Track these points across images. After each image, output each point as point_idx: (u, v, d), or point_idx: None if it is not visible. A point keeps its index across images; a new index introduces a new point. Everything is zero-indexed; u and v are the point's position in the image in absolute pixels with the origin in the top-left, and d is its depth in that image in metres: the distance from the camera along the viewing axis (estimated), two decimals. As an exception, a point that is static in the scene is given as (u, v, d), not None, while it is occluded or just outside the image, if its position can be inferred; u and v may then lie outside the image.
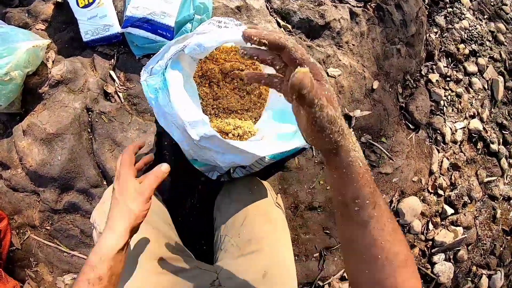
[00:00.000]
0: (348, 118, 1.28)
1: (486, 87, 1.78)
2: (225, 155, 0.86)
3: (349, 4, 1.33)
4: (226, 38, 0.80)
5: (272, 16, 1.20)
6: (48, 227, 1.12)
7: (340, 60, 1.26)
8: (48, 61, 1.19)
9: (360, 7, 1.36)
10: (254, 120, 0.99)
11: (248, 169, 0.99)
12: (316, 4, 1.27)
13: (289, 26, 1.21)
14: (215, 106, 0.98)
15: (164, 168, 0.72)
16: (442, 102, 1.59)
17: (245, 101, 1.01)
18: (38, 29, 1.23)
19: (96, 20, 1.16)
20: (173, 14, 1.11)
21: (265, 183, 1.02)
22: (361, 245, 0.50)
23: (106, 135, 1.10)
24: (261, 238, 0.85)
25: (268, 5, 1.21)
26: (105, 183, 1.11)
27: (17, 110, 1.14)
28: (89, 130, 1.13)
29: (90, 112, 1.13)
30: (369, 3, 1.40)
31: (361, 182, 0.48)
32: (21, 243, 1.12)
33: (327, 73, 1.24)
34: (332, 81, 1.24)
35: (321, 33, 1.25)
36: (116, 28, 1.15)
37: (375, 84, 1.35)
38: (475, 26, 1.83)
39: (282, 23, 1.21)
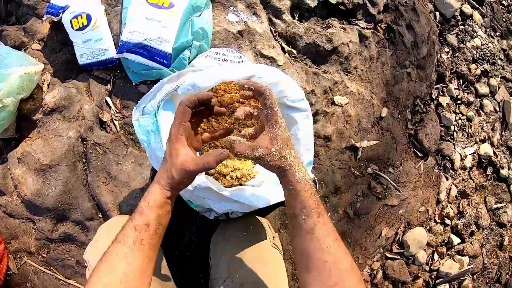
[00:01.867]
0: (354, 149, 1.21)
1: (497, 109, 1.70)
2: (221, 203, 0.80)
3: (358, 26, 1.25)
4: (223, 77, 0.74)
5: (277, 40, 1.13)
6: (45, 255, 1.09)
7: (347, 87, 1.19)
8: (43, 84, 1.13)
9: (370, 28, 1.28)
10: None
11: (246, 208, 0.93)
12: (324, 27, 1.20)
13: (294, 52, 1.14)
14: (212, 144, 0.91)
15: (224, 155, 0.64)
16: (452, 127, 1.52)
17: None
18: (34, 49, 1.17)
19: (91, 43, 1.09)
20: (171, 40, 1.03)
21: (263, 220, 0.96)
22: (310, 250, 0.59)
23: (101, 167, 1.05)
24: (255, 283, 0.80)
25: (272, 29, 1.13)
26: (100, 215, 1.07)
27: (11, 135, 1.10)
28: (83, 160, 1.08)
29: (84, 142, 1.08)
30: (379, 24, 1.32)
31: (306, 195, 0.61)
32: (17, 268, 1.09)
33: (334, 101, 1.17)
34: (338, 110, 1.16)
35: (328, 58, 1.18)
36: (112, 53, 1.09)
37: (384, 112, 1.27)
38: (487, 44, 1.75)
39: (287, 48, 1.13)
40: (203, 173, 0.73)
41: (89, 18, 1.09)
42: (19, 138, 1.11)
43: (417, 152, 1.42)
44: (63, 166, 1.03)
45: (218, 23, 1.07)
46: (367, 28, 1.27)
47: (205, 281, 1.08)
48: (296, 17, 1.17)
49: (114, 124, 1.10)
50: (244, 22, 1.08)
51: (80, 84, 1.12)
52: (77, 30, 1.09)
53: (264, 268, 0.85)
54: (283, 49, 1.12)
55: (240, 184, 0.89)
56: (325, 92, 1.14)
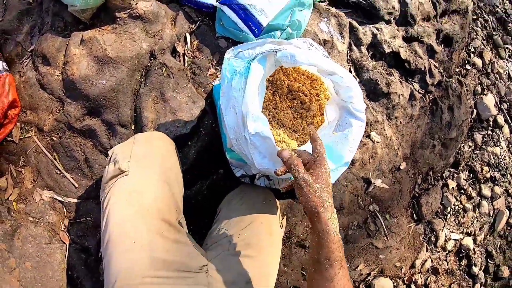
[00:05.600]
0: (368, 182, 1.33)
1: (491, 214, 1.85)
2: (265, 159, 0.90)
3: (413, 86, 1.42)
4: (317, 62, 0.86)
5: (348, 63, 1.28)
6: (55, 138, 1.07)
7: (384, 130, 1.33)
8: None
9: (421, 93, 1.45)
10: (299, 143, 1.04)
11: (272, 183, 1.03)
12: (386, 72, 1.36)
13: (357, 79, 1.29)
14: (271, 113, 1.03)
15: None
16: (448, 209, 1.66)
17: (296, 123, 1.06)
18: None
19: None
20: (270, 16, 1.16)
21: (278, 202, 1.05)
22: None
23: (158, 86, 1.10)
24: (260, 248, 0.88)
25: (348, 52, 1.29)
26: (133, 127, 1.09)
27: (85, 19, 1.11)
28: (143, 73, 1.12)
29: (152, 59, 1.13)
30: (429, 94, 1.49)
31: (333, 247, 0.64)
32: (19, 138, 1.05)
33: (369, 135, 1.30)
34: (370, 144, 1.30)
35: (380, 99, 1.33)
36: (213, 0, 1.19)
37: (402, 165, 1.41)
38: (505, 156, 1.93)
39: (353, 73, 1.28)
40: (268, 126, 0.84)
41: None
42: (89, 25, 1.11)
43: (414, 213, 1.54)
44: (125, 67, 1.07)
45: (311, 25, 1.22)
46: (419, 92, 1.44)
47: (196, 231, 1.15)
48: (370, 54, 1.33)
49: (184, 58, 1.18)
50: (331, 35, 1.24)
51: (169, 11, 1.18)
52: None
53: (270, 237, 0.93)
54: (349, 71, 1.27)
55: None
56: (366, 124, 1.28)
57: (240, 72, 0.87)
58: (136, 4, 1.12)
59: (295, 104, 1.07)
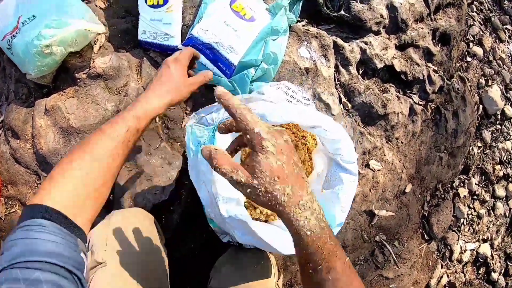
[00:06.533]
0: (371, 214, 1.21)
1: (507, 214, 1.73)
2: (246, 236, 0.79)
3: (412, 99, 1.27)
4: (293, 118, 0.74)
5: (336, 88, 1.14)
6: None
7: (384, 155, 1.20)
8: (95, 44, 1.10)
9: (421, 105, 1.30)
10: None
11: None
12: (381, 90, 1.21)
13: (349, 105, 1.15)
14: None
15: (211, 75, 0.84)
16: (462, 220, 1.54)
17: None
18: (97, 6, 1.15)
19: (159, 25, 1.08)
20: (240, 52, 1.03)
21: (272, 258, 0.96)
22: None
23: None
24: None
25: (336, 76, 1.14)
26: (111, 197, 1.02)
27: (46, 83, 1.06)
28: None
29: None
30: (430, 104, 1.34)
31: (310, 249, 0.49)
32: (5, 214, 1.04)
33: (369, 164, 1.17)
34: (370, 174, 1.17)
35: (377, 122, 1.19)
36: (176, 41, 1.08)
37: (408, 188, 1.28)
38: (516, 150, 1.79)
39: (343, 99, 1.14)
40: (242, 205, 0.73)
41: None
42: (53, 88, 1.07)
43: (424, 234, 1.43)
44: None
45: (289, 53, 1.08)
46: (419, 104, 1.29)
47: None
48: (360, 72, 1.18)
49: None
50: (314, 61, 1.09)
51: (133, 59, 1.09)
52: (150, 5, 1.07)
53: None
54: (340, 99, 1.13)
55: (266, 221, 0.89)
56: (363, 153, 1.15)
57: (204, 143, 0.74)
58: (94, 62, 0.99)
59: None
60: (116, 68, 1.04)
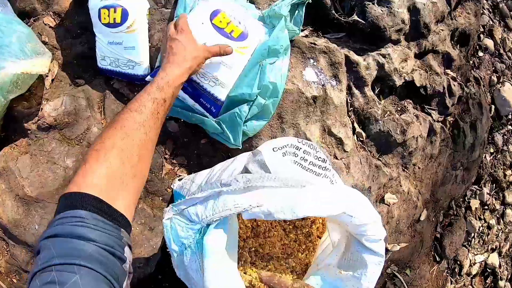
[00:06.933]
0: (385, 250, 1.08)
1: (515, 220, 1.65)
2: None
3: (431, 117, 1.10)
4: (308, 212, 0.56)
5: (349, 116, 0.95)
6: (15, 280, 0.90)
7: (400, 186, 1.05)
8: (47, 77, 0.87)
9: (440, 121, 1.13)
10: (295, 274, 0.76)
11: None
12: (399, 109, 1.03)
13: (364, 134, 0.97)
14: (252, 248, 0.73)
15: (229, 50, 0.77)
16: (473, 234, 1.44)
17: (289, 239, 0.77)
18: (46, 24, 0.91)
19: (119, 49, 0.84)
20: (228, 83, 0.82)
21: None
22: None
23: None
24: None
25: (349, 100, 0.94)
26: None
27: None
28: None
29: None
30: (449, 117, 1.18)
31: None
32: None
33: (383, 199, 1.02)
34: (384, 210, 1.02)
35: (393, 150, 1.02)
36: (144, 69, 0.85)
37: (423, 215, 1.15)
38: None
39: (357, 129, 0.95)
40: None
41: (125, 14, 0.81)
42: (3, 138, 0.86)
43: (436, 256, 1.32)
44: (53, 204, 0.81)
45: (292, 78, 0.87)
46: (438, 121, 1.12)
47: None
48: (376, 91, 0.99)
49: None
50: (323, 85, 0.89)
51: (93, 93, 0.88)
52: (105, 25, 0.83)
53: None
54: (353, 129, 0.94)
55: None
56: (379, 188, 0.99)
57: (190, 247, 0.56)
58: (42, 110, 0.77)
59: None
60: (71, 113, 0.83)
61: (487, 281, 1.56)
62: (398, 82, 0.99)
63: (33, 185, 0.79)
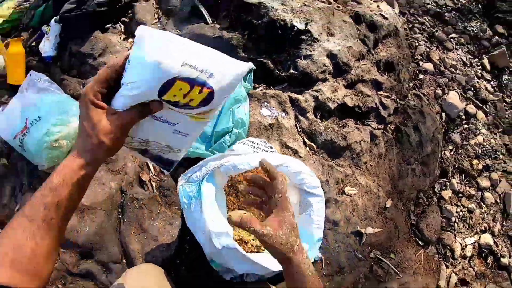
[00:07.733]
0: (359, 234, 1.35)
1: (498, 201, 1.83)
2: (242, 264, 0.96)
3: (370, 126, 1.46)
4: (257, 164, 0.93)
5: (300, 135, 1.34)
6: (60, 285, 1.14)
7: (357, 180, 1.37)
8: None
9: (380, 129, 1.49)
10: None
11: (261, 276, 1.08)
12: (341, 126, 1.41)
13: (314, 146, 1.34)
14: (236, 200, 1.10)
15: (156, 108, 0.61)
16: (453, 218, 1.65)
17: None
18: None
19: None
20: (184, 148, 0.74)
21: (274, 288, 1.08)
22: None
23: (135, 219, 1.20)
24: None
25: (297, 124, 1.34)
26: (124, 261, 1.19)
27: None
28: (119, 210, 1.23)
29: (123, 194, 1.24)
30: (389, 125, 1.52)
31: (312, 286, 0.63)
32: None
33: (344, 191, 1.34)
34: (347, 200, 1.33)
35: (342, 154, 1.37)
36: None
37: (388, 203, 1.43)
38: (489, 140, 1.92)
39: (308, 142, 1.33)
40: (231, 236, 0.90)
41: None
42: None
43: (418, 240, 1.54)
44: (101, 210, 1.18)
45: (253, 115, 1.29)
46: (378, 129, 1.48)
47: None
48: (318, 116, 1.39)
49: (151, 185, 1.28)
50: (275, 117, 1.30)
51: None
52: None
53: None
54: (304, 142, 1.33)
55: (258, 251, 1.05)
56: (337, 183, 1.32)
57: (194, 196, 0.94)
58: None
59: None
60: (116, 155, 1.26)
61: (488, 261, 1.70)
62: (332, 106, 1.39)
63: (88, 198, 1.17)
